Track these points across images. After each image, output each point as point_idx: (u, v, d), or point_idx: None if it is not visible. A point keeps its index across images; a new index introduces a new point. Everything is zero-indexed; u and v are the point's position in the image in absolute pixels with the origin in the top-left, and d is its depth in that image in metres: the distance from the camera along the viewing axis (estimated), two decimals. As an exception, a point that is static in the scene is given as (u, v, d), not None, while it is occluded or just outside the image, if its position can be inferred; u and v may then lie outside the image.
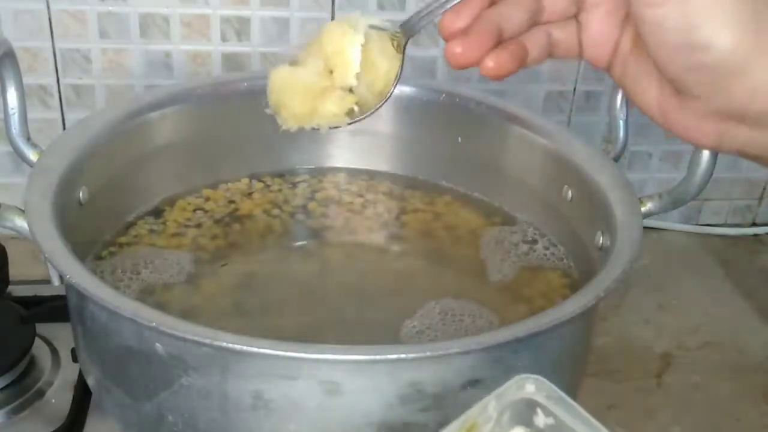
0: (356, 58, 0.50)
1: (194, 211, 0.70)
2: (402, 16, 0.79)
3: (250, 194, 0.72)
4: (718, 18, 0.38)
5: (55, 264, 0.51)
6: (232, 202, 0.71)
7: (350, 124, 0.52)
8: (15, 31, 0.76)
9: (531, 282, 0.65)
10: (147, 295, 0.61)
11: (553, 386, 0.45)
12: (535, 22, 0.45)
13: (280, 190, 0.73)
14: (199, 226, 0.69)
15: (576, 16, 0.45)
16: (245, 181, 0.73)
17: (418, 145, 0.75)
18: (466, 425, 0.43)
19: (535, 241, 0.69)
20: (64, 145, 0.61)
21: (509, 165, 0.71)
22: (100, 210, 0.64)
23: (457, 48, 0.43)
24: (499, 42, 0.44)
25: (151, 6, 0.77)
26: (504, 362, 0.50)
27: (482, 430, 0.44)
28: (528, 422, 0.45)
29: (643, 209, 0.61)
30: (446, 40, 0.44)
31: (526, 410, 0.45)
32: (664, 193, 0.62)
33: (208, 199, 0.71)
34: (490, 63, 0.43)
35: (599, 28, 0.45)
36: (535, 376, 0.45)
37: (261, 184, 0.73)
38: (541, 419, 0.45)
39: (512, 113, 0.71)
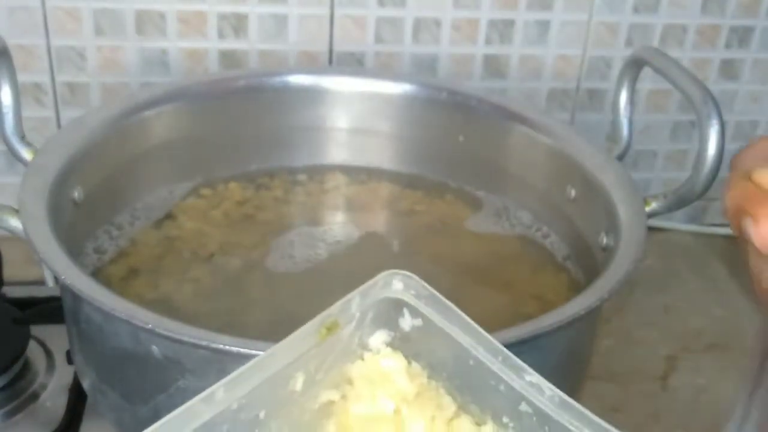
0: None
1: (192, 210, 0.69)
2: (402, 12, 0.79)
3: (248, 192, 0.72)
4: None
5: (49, 265, 0.50)
6: (229, 200, 0.71)
7: None
8: (9, 28, 0.75)
9: (534, 282, 0.65)
10: (143, 295, 0.60)
11: (424, 284, 0.41)
12: None
13: (278, 188, 0.73)
14: (196, 225, 0.68)
15: None
16: (243, 179, 0.73)
17: (419, 144, 0.74)
18: (327, 323, 0.40)
19: (537, 241, 0.69)
20: (58, 144, 0.61)
21: (511, 164, 0.71)
22: (95, 210, 0.63)
23: None
24: None
25: (147, 2, 0.77)
26: (507, 365, 0.49)
27: (343, 331, 0.40)
28: (393, 325, 0.41)
29: (647, 209, 0.60)
30: None
31: (392, 311, 0.41)
32: (668, 193, 0.61)
33: (204, 198, 0.70)
34: None
35: None
36: (405, 273, 0.41)
37: (259, 182, 0.73)
38: (407, 321, 0.41)
39: (515, 111, 0.70)
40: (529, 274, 0.66)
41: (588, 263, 0.63)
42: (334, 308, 0.40)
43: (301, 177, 0.74)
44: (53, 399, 0.65)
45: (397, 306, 0.41)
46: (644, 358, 0.75)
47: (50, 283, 0.55)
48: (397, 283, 0.41)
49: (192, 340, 0.46)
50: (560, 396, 0.39)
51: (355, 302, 0.41)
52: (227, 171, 0.72)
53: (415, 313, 0.41)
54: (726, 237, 0.94)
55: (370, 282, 0.41)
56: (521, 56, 0.84)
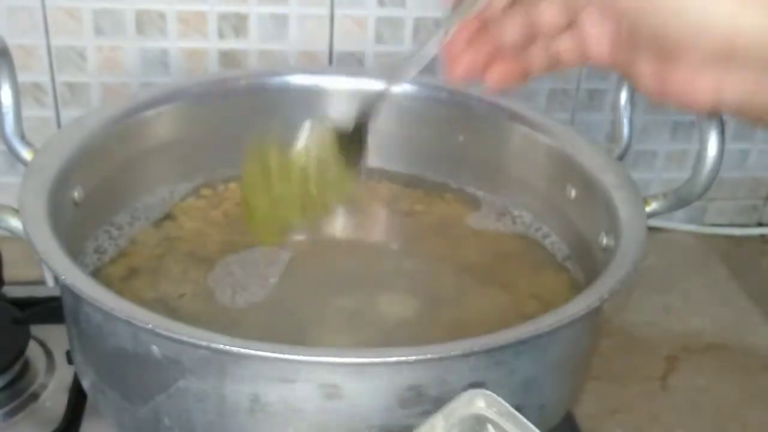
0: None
1: (192, 210, 0.69)
2: (402, 12, 0.79)
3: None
4: None
5: (49, 265, 0.50)
6: (229, 201, 0.71)
7: None
8: (9, 28, 0.75)
9: (534, 282, 0.65)
10: (143, 295, 0.60)
11: (503, 402, 0.44)
12: (531, 37, 0.48)
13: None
14: (196, 225, 0.68)
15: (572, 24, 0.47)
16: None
17: (419, 144, 0.74)
18: None
19: (538, 241, 0.69)
20: (58, 144, 0.61)
21: (511, 164, 0.71)
22: (95, 210, 0.63)
23: (456, 61, 0.50)
24: (499, 58, 0.49)
25: (147, 2, 0.77)
26: (506, 364, 0.50)
27: None
28: None
29: (647, 209, 0.60)
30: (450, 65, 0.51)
31: (476, 426, 0.44)
32: (669, 193, 0.61)
33: (205, 198, 0.70)
34: (492, 74, 0.49)
35: (597, 29, 0.46)
36: (486, 392, 0.44)
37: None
38: None
39: (515, 111, 0.70)
40: (529, 274, 0.66)
41: (588, 263, 0.63)
42: (421, 431, 0.43)
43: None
44: (53, 399, 0.64)
45: (480, 421, 0.44)
46: (644, 358, 0.75)
47: (50, 283, 0.55)
48: (479, 401, 0.44)
49: (192, 340, 0.46)
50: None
51: (439, 425, 0.43)
52: (227, 171, 0.72)
53: (498, 428, 0.44)
54: (726, 237, 0.94)
55: (453, 401, 0.44)
56: (521, 56, 0.83)
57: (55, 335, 0.68)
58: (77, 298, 0.51)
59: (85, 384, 0.57)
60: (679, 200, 0.61)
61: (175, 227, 0.67)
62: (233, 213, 0.70)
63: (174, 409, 0.50)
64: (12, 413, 0.63)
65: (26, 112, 0.62)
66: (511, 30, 0.47)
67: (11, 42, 0.60)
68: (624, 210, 0.59)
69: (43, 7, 0.76)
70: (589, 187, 0.63)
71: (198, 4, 0.77)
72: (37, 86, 0.79)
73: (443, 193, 0.74)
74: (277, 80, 0.73)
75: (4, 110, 0.60)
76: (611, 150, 0.66)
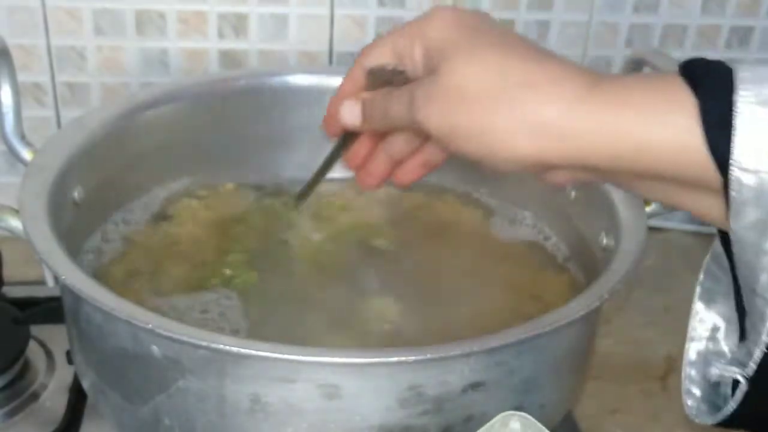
0: None
1: (191, 210, 0.69)
2: (402, 12, 0.79)
3: (247, 193, 0.72)
4: None
5: (49, 265, 0.50)
6: (229, 200, 0.71)
7: None
8: (9, 28, 0.75)
9: (534, 283, 0.65)
10: (142, 296, 0.60)
11: (538, 424, 0.44)
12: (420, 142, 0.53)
13: (278, 188, 0.72)
14: (195, 225, 0.68)
15: None
16: (242, 179, 0.73)
17: (419, 144, 0.74)
18: None
19: (538, 241, 0.69)
20: (58, 144, 0.61)
21: (511, 164, 0.71)
22: (95, 210, 0.63)
23: (362, 179, 0.57)
24: (398, 163, 0.55)
25: (147, 2, 0.77)
26: (506, 364, 0.50)
27: None
28: None
29: (647, 209, 0.60)
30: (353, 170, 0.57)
31: None
32: (669, 193, 0.61)
33: (204, 198, 0.70)
34: (400, 177, 0.55)
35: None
36: (521, 414, 0.44)
37: (258, 183, 0.73)
38: None
39: (514, 111, 0.70)
40: (530, 274, 0.66)
41: (588, 263, 0.63)
42: None
43: (301, 177, 0.74)
44: (53, 399, 0.64)
45: None
46: (644, 358, 0.75)
47: (50, 283, 0.55)
48: (514, 423, 0.44)
49: (192, 340, 0.46)
50: None
51: None
52: (227, 171, 0.72)
53: None
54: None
55: (488, 424, 0.44)
56: (521, 56, 0.83)
57: (55, 335, 0.68)
58: (77, 298, 0.51)
59: (85, 384, 0.57)
60: (679, 200, 0.61)
61: (174, 227, 0.67)
62: (233, 213, 0.70)
63: (174, 409, 0.50)
64: (12, 413, 0.63)
65: (26, 112, 0.63)
66: (401, 139, 0.54)
67: (11, 42, 0.60)
68: (624, 210, 0.59)
69: (43, 7, 0.76)
70: (589, 187, 0.63)
71: (198, 4, 0.78)
72: (37, 86, 0.79)
73: (443, 195, 0.74)
74: (277, 80, 0.73)
75: (4, 110, 0.60)
76: (611, 150, 0.66)
